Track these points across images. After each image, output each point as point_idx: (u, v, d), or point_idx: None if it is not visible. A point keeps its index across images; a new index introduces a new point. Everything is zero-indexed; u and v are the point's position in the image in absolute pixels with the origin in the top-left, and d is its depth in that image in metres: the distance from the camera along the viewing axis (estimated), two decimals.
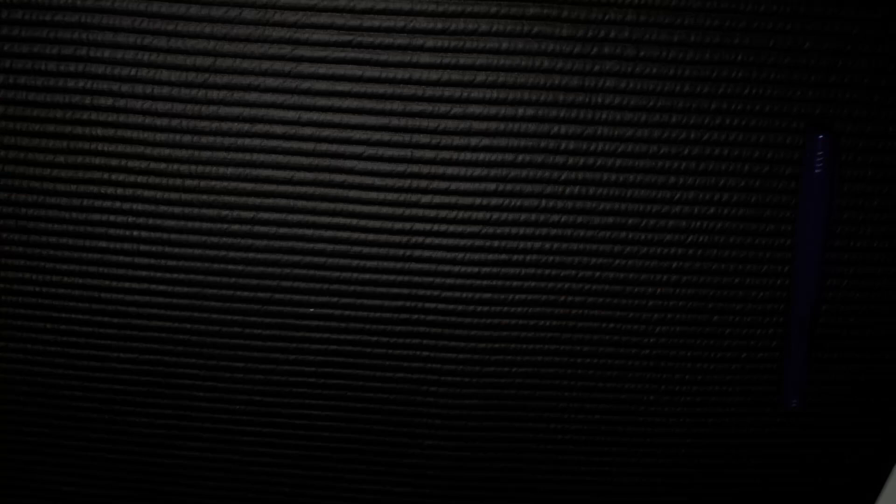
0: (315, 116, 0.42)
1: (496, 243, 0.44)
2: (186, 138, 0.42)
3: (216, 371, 0.48)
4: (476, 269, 0.45)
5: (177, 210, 0.44)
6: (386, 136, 0.42)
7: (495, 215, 0.43)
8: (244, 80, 0.41)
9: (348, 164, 0.42)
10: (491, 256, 0.44)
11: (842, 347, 0.47)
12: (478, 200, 0.43)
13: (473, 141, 0.42)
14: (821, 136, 0.39)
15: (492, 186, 0.43)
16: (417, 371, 0.47)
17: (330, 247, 0.44)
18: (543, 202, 0.43)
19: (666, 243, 0.44)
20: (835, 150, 0.39)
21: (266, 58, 0.40)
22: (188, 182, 0.43)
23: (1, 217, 0.44)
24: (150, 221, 0.44)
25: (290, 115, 0.41)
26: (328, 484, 0.51)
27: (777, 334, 0.46)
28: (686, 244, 0.44)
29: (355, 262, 0.45)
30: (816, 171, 0.39)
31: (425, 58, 0.40)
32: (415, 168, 0.42)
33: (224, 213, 0.44)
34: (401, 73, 0.41)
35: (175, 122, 0.42)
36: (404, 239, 0.44)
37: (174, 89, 0.41)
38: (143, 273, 0.45)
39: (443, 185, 0.43)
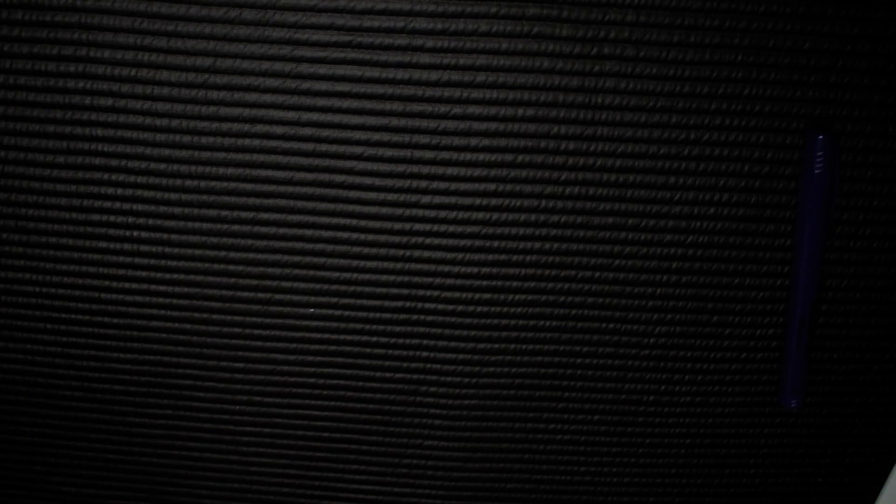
0: (315, 116, 0.42)
1: (496, 243, 0.44)
2: (186, 138, 0.42)
3: (216, 371, 0.48)
4: (476, 270, 0.45)
5: (177, 210, 0.44)
6: (386, 137, 0.42)
7: (495, 215, 0.43)
8: (244, 80, 0.41)
9: (348, 164, 0.42)
10: (491, 256, 0.44)
11: (842, 347, 0.47)
12: (478, 200, 0.43)
13: (473, 141, 0.42)
14: (821, 137, 0.39)
15: (492, 186, 0.43)
16: (417, 371, 0.47)
17: (330, 247, 0.44)
18: (543, 202, 0.43)
19: (666, 243, 0.44)
20: (835, 150, 0.39)
21: (266, 58, 0.40)
22: (188, 182, 0.43)
23: (1, 217, 0.44)
24: (150, 221, 0.44)
25: (290, 115, 0.41)
26: (328, 484, 0.51)
27: (777, 334, 0.46)
28: (686, 244, 0.44)
29: (355, 263, 0.45)
30: (816, 171, 0.39)
31: (425, 58, 0.40)
32: (415, 168, 0.42)
33: (224, 213, 0.44)
34: (401, 74, 0.41)
35: (175, 123, 0.42)
36: (404, 239, 0.44)
37: (174, 89, 0.41)
38: (143, 273, 0.45)
39: (443, 185, 0.43)
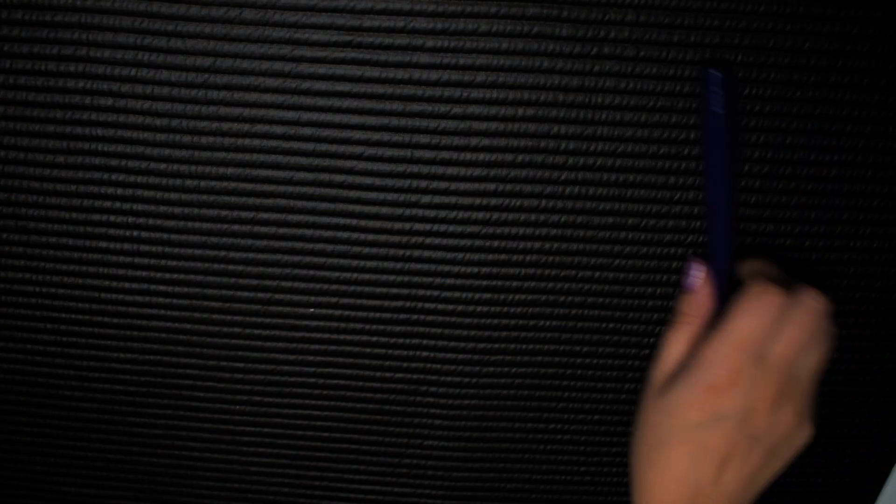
0: (315, 116, 0.42)
1: (496, 243, 0.44)
2: (186, 138, 0.42)
3: (216, 371, 0.48)
4: (476, 269, 0.45)
5: (177, 210, 0.44)
6: (386, 136, 0.42)
7: (495, 215, 0.43)
8: (244, 80, 0.41)
9: (348, 164, 0.42)
10: (491, 256, 0.44)
11: (842, 347, 0.47)
12: (478, 200, 0.43)
13: (473, 141, 0.42)
14: (715, 73, 0.36)
15: (492, 186, 0.43)
16: (417, 371, 0.47)
17: (330, 247, 0.44)
18: (543, 202, 0.43)
19: (666, 243, 0.44)
20: (731, 87, 0.37)
21: (266, 58, 0.40)
22: (188, 182, 0.43)
23: (1, 217, 0.44)
24: (150, 221, 0.44)
25: (290, 115, 0.41)
26: (328, 484, 0.51)
27: None
28: (686, 244, 0.44)
29: (355, 263, 0.45)
30: (714, 109, 0.37)
31: (425, 58, 0.40)
32: (415, 168, 0.42)
33: (224, 213, 0.44)
34: (400, 73, 0.41)
35: (175, 122, 0.42)
36: (404, 239, 0.44)
37: (174, 89, 0.41)
38: (143, 273, 0.45)
39: (443, 185, 0.43)
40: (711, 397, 0.37)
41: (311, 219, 0.44)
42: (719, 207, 0.39)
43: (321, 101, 0.41)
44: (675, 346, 0.39)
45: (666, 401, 0.38)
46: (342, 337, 0.47)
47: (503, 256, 0.44)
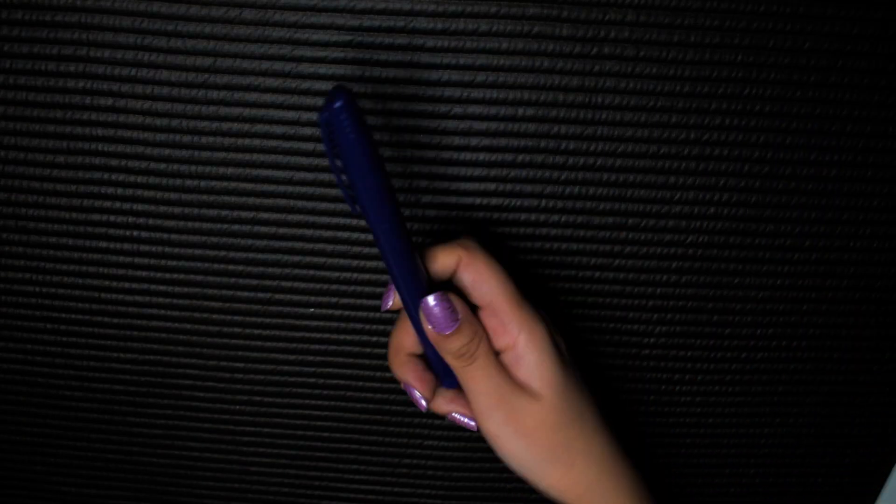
0: (315, 116, 0.41)
1: (496, 243, 0.44)
2: (186, 138, 0.42)
3: (216, 371, 0.48)
4: None
5: (177, 210, 0.44)
6: (386, 136, 0.42)
7: (495, 215, 0.43)
8: (244, 80, 0.41)
9: None
10: None
11: (842, 347, 0.47)
12: (478, 200, 0.43)
13: (473, 141, 0.42)
14: (334, 104, 0.31)
15: (492, 186, 0.43)
16: None
17: (330, 247, 0.44)
18: (543, 202, 0.43)
19: (666, 243, 0.44)
20: (352, 108, 0.32)
21: (266, 58, 0.40)
22: (188, 182, 0.43)
23: (1, 217, 0.44)
24: (150, 221, 0.44)
25: (290, 115, 0.41)
26: (328, 484, 0.51)
27: (777, 334, 0.46)
28: (686, 244, 0.44)
29: (355, 263, 0.45)
30: (351, 136, 0.33)
31: (425, 58, 0.40)
32: (415, 168, 0.42)
33: (224, 213, 0.44)
34: (401, 74, 0.41)
35: (175, 122, 0.42)
36: None
37: (174, 89, 0.41)
38: (143, 273, 0.45)
39: (443, 185, 0.43)
40: (564, 379, 0.36)
41: (311, 219, 0.44)
42: (397, 234, 0.34)
43: (321, 101, 0.41)
44: (483, 382, 0.36)
45: (529, 428, 0.36)
46: (342, 337, 0.47)
47: (503, 256, 0.44)
